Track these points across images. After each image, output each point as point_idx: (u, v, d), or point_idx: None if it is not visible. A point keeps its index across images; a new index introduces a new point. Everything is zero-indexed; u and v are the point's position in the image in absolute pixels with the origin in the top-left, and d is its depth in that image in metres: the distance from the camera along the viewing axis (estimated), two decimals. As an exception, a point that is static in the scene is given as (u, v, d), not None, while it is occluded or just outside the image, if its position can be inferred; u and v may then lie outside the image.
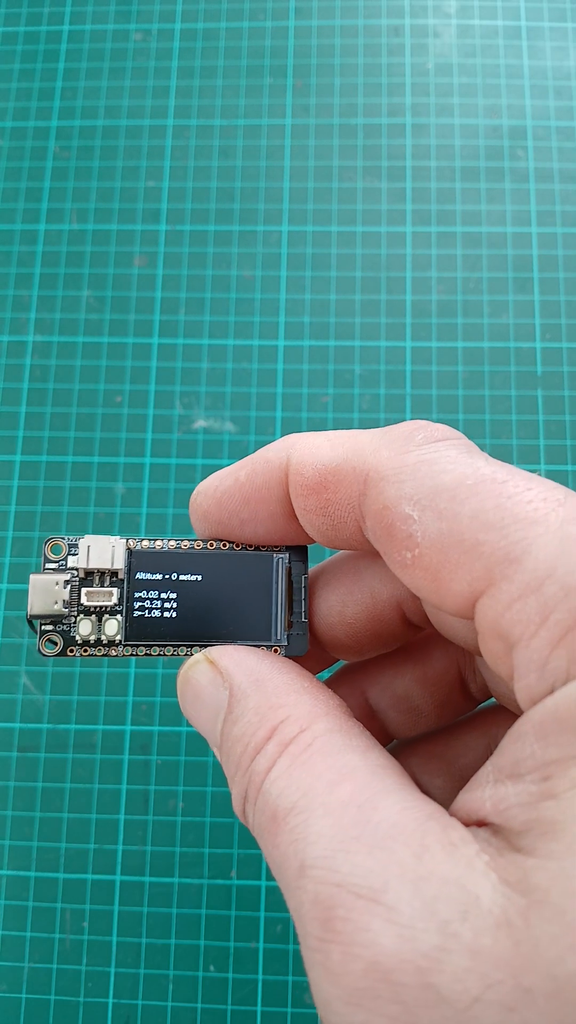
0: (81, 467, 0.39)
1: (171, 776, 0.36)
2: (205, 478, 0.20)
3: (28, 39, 0.45)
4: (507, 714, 0.20)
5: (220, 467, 0.20)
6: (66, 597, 0.19)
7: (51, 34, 0.45)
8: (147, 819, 0.35)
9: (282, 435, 0.39)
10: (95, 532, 0.39)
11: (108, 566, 0.19)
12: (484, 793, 0.13)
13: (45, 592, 0.19)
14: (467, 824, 0.13)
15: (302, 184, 0.43)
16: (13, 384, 0.41)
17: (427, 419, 0.38)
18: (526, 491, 0.14)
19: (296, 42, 0.45)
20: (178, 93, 0.44)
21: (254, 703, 0.16)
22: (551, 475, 0.38)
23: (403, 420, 0.40)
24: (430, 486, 0.15)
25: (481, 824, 0.13)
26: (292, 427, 0.39)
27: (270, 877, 0.35)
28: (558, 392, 0.39)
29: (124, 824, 0.35)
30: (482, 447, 0.38)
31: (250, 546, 0.20)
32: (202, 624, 0.19)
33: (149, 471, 0.39)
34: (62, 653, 0.19)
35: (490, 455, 0.16)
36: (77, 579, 0.19)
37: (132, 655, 0.19)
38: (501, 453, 0.38)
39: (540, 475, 0.15)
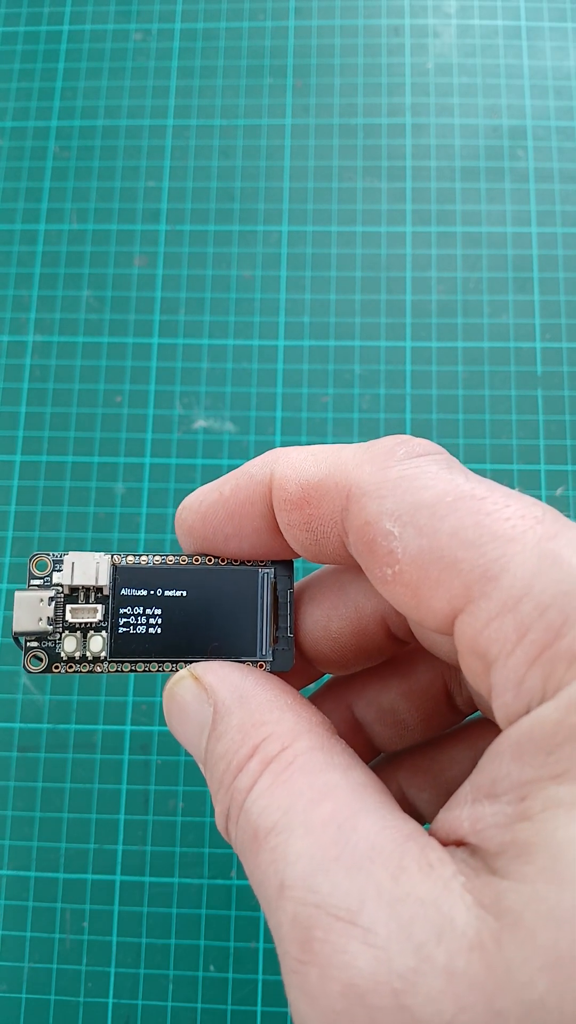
0: (81, 467, 0.39)
1: (171, 776, 0.36)
2: (202, 483, 0.20)
3: (28, 39, 0.45)
4: (493, 727, 0.20)
5: (220, 467, 0.20)
6: (51, 614, 0.19)
7: (51, 34, 0.45)
8: (147, 819, 0.35)
9: (282, 435, 0.39)
10: (95, 532, 0.39)
11: (93, 582, 0.19)
12: (463, 812, 0.13)
13: (30, 608, 0.19)
14: (446, 844, 0.13)
15: (302, 184, 0.43)
16: (13, 384, 0.41)
17: (426, 419, 0.39)
18: (504, 508, 0.14)
19: (296, 42, 0.45)
20: (178, 93, 0.44)
21: (237, 720, 0.16)
22: (551, 475, 0.38)
23: (403, 420, 0.40)
24: (410, 502, 0.15)
25: (459, 844, 0.13)
26: (292, 427, 0.39)
27: (270, 877, 0.35)
28: (558, 392, 0.39)
29: (124, 824, 0.35)
30: (482, 447, 0.38)
31: (235, 561, 0.20)
32: (187, 640, 0.19)
33: (149, 471, 0.39)
34: (47, 670, 0.19)
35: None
36: (62, 596, 0.19)
37: (117, 671, 0.19)
38: (501, 453, 0.38)
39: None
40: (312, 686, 0.23)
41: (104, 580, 0.19)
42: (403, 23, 0.44)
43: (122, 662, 0.19)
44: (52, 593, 0.19)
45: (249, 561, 0.20)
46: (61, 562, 0.19)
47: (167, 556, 0.20)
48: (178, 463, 0.39)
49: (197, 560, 0.20)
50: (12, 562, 0.39)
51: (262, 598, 0.20)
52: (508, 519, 0.14)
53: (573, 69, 0.43)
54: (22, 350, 0.41)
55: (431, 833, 0.14)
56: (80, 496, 0.39)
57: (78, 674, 0.19)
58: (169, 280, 0.42)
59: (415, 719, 0.21)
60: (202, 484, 0.20)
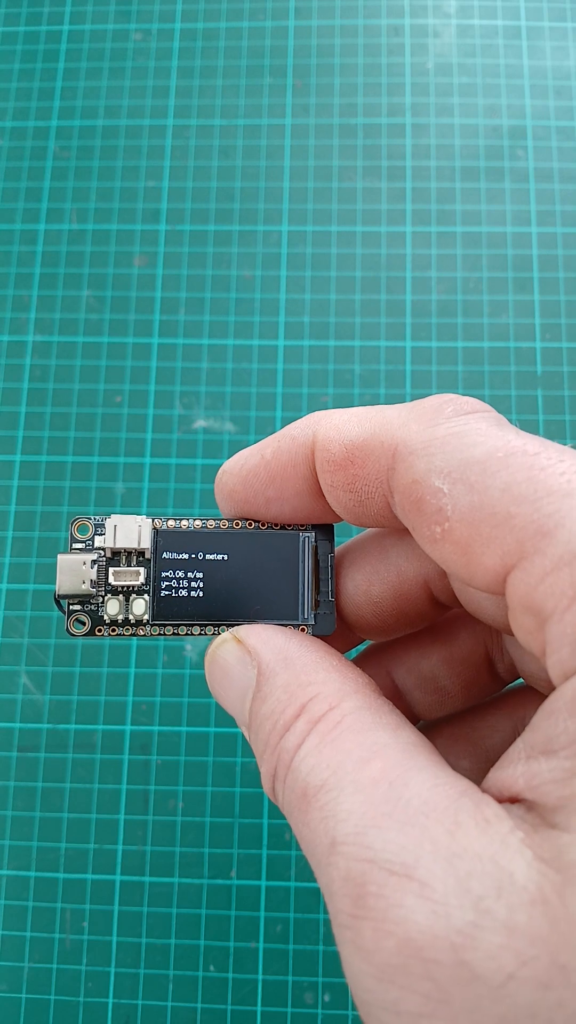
0: (81, 467, 0.39)
1: (171, 776, 0.36)
2: (202, 484, 0.19)
3: (28, 39, 0.45)
4: (535, 694, 0.20)
5: (220, 467, 0.20)
6: (93, 577, 0.19)
7: (51, 34, 0.45)
8: (147, 819, 0.35)
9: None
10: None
11: (135, 546, 0.19)
12: (516, 770, 0.13)
13: (72, 572, 0.19)
14: (499, 801, 0.13)
15: (302, 184, 0.43)
16: (13, 384, 0.41)
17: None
18: (558, 463, 0.14)
19: (296, 42, 0.45)
20: (178, 93, 0.44)
21: (282, 681, 0.16)
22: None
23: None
24: (460, 459, 0.15)
25: (514, 801, 0.13)
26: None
27: (270, 877, 0.35)
28: (558, 392, 0.39)
29: (124, 824, 0.35)
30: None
31: (276, 525, 0.20)
32: (229, 604, 0.19)
33: (149, 471, 0.39)
34: (90, 633, 0.19)
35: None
36: (104, 559, 0.19)
37: (160, 635, 0.19)
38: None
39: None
40: (352, 652, 0.23)
41: (146, 543, 0.19)
42: (403, 23, 0.44)
43: (164, 625, 0.19)
44: (95, 556, 0.19)
45: (290, 525, 0.20)
46: (103, 526, 0.19)
47: (207, 520, 0.20)
48: (178, 463, 0.39)
49: (238, 524, 0.20)
50: (12, 562, 0.39)
51: (303, 562, 0.20)
52: (563, 474, 0.14)
53: (573, 69, 0.43)
54: (22, 350, 0.41)
55: (483, 791, 0.14)
56: (80, 496, 0.39)
57: (121, 637, 0.19)
58: (169, 280, 0.42)
59: (455, 686, 0.21)
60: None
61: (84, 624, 0.19)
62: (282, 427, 0.40)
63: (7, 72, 0.45)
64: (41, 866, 0.35)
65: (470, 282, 0.41)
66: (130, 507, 0.39)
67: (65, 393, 0.40)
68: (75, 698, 0.37)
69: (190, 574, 0.19)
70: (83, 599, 0.19)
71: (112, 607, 0.19)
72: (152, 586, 0.19)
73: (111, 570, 0.19)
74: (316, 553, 0.20)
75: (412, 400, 0.40)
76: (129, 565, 0.19)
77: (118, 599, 0.19)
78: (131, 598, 0.19)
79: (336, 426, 0.17)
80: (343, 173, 0.43)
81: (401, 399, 0.39)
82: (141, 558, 0.19)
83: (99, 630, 0.19)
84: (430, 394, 0.41)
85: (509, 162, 0.42)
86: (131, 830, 0.35)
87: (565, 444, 0.41)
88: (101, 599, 0.19)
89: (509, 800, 0.13)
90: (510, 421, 0.42)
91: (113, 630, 0.19)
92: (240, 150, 0.43)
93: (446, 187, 0.42)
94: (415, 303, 0.41)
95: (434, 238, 0.42)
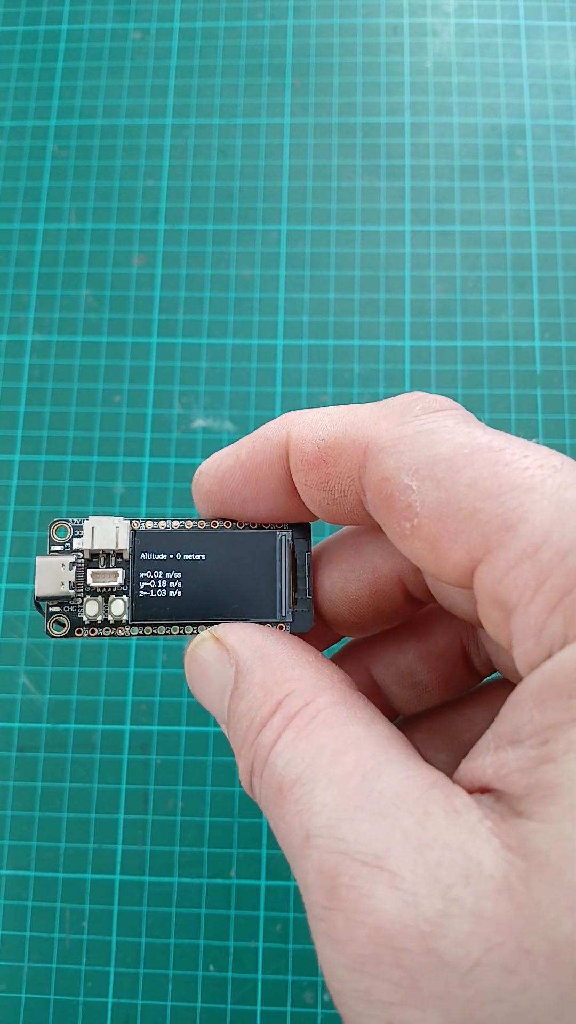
0: (80, 467, 0.39)
1: (171, 776, 0.36)
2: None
3: (26, 38, 0.45)
4: (510, 687, 0.20)
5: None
6: (72, 578, 0.19)
7: (49, 33, 0.45)
8: (147, 819, 0.35)
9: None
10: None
11: (113, 547, 0.19)
12: (485, 760, 0.13)
13: (51, 574, 0.19)
14: (470, 791, 0.14)
15: (301, 183, 0.43)
16: (12, 384, 0.41)
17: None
18: (523, 458, 0.14)
19: (295, 41, 0.44)
20: (176, 92, 0.44)
21: (259, 678, 0.16)
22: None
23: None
24: (428, 456, 0.15)
25: (484, 791, 0.13)
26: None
27: (270, 876, 0.35)
28: (557, 391, 0.39)
29: (123, 824, 0.35)
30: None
31: (253, 524, 0.20)
32: (207, 603, 0.19)
33: (148, 471, 0.39)
34: (70, 634, 0.19)
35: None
36: (83, 560, 0.19)
37: (139, 635, 0.19)
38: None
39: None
40: (331, 649, 0.23)
41: (124, 544, 0.19)
42: (402, 22, 0.44)
43: (143, 625, 0.19)
44: (73, 558, 0.19)
45: (266, 524, 0.20)
46: (81, 528, 0.19)
47: (185, 520, 0.20)
48: (177, 463, 0.39)
49: (215, 524, 0.20)
50: (12, 562, 0.39)
51: (280, 560, 0.20)
52: (526, 469, 0.14)
53: (572, 68, 0.43)
54: (21, 349, 0.41)
55: (454, 782, 0.14)
56: (79, 496, 0.39)
57: (101, 638, 0.19)
58: (168, 279, 0.42)
59: (433, 681, 0.21)
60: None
61: (63, 625, 0.19)
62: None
63: (6, 71, 0.45)
64: (41, 866, 0.35)
65: (469, 281, 0.41)
66: (130, 507, 0.39)
67: (64, 393, 0.40)
68: (74, 698, 0.37)
69: (168, 574, 0.19)
70: (62, 601, 0.19)
71: (91, 608, 0.19)
72: (131, 587, 0.19)
73: (89, 571, 0.19)
74: (293, 552, 0.20)
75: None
76: (107, 566, 0.19)
77: (97, 600, 0.19)
78: (110, 599, 0.19)
79: (309, 425, 0.18)
80: (342, 172, 0.43)
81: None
82: (119, 559, 0.19)
83: (78, 631, 0.19)
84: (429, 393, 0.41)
85: (508, 161, 0.42)
86: (130, 830, 0.35)
87: (565, 443, 0.41)
88: (80, 600, 0.19)
89: (479, 790, 0.13)
90: (509, 420, 0.42)
91: (92, 631, 0.19)
92: (239, 149, 0.43)
93: (445, 186, 0.42)
94: (414, 302, 0.41)
95: (433, 237, 0.42)
